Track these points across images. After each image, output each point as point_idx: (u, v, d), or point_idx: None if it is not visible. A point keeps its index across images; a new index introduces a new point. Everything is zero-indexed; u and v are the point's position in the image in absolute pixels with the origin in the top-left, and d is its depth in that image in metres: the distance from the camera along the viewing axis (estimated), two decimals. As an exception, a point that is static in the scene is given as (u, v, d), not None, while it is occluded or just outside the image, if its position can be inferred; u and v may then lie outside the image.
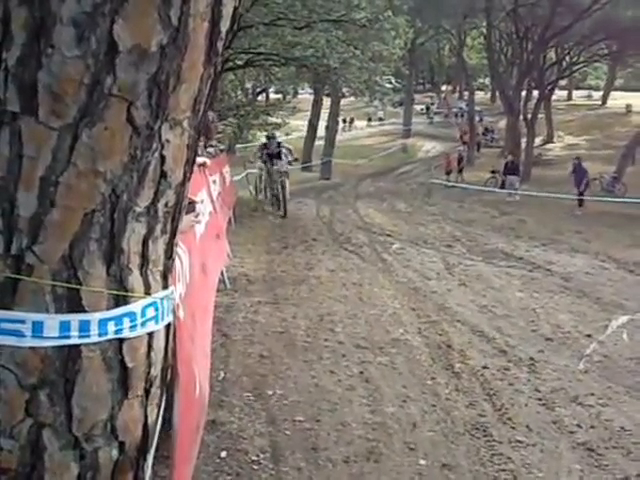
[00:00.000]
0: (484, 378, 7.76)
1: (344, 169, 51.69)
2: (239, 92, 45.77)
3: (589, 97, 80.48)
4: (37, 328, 2.42)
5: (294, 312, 10.01)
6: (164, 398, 2.97)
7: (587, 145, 57.21)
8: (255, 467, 5.56)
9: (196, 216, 6.48)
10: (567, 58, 52.62)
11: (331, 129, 52.04)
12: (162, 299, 2.74)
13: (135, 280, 2.61)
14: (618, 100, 69.84)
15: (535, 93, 50.61)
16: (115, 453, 2.67)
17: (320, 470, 5.58)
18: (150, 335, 2.71)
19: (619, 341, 9.19)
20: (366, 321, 9.79)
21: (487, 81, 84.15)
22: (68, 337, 2.46)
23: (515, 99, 47.66)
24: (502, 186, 34.32)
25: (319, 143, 52.49)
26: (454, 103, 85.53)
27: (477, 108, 66.80)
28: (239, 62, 25.41)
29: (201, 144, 9.28)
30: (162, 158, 2.52)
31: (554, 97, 62.60)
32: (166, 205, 2.63)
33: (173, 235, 2.77)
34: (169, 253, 2.79)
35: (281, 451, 5.85)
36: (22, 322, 2.41)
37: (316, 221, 21.76)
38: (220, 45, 2.58)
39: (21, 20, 2.21)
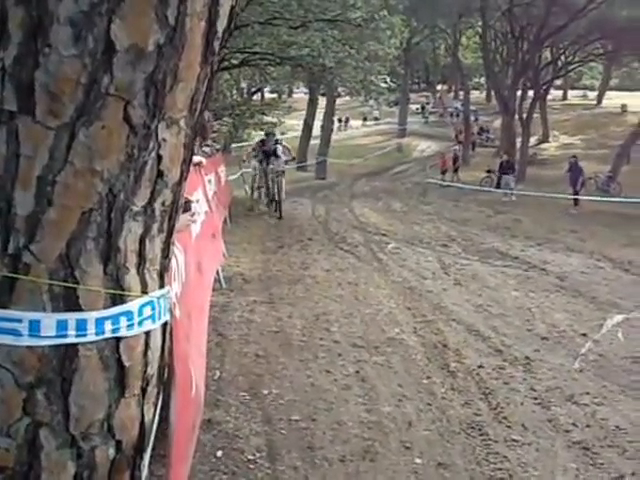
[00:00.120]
0: (480, 377, 7.77)
1: (339, 169, 51.68)
2: (234, 91, 45.79)
3: (584, 97, 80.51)
4: (34, 327, 2.42)
5: (290, 311, 10.02)
6: (161, 397, 2.97)
7: (582, 145, 57.23)
8: (251, 466, 5.56)
9: (192, 215, 6.49)
10: (562, 58, 52.67)
11: (326, 128, 52.00)
12: (159, 298, 2.74)
13: (132, 279, 2.61)
14: (613, 100, 69.90)
15: (530, 93, 50.54)
16: (112, 452, 2.67)
17: (316, 469, 5.59)
18: (147, 334, 2.71)
19: (614, 340, 9.21)
20: (362, 320, 9.80)
21: (482, 80, 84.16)
22: (65, 336, 2.46)
23: (510, 99, 47.67)
24: (497, 185, 34.33)
25: (314, 142, 52.42)
26: (449, 102, 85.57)
27: (472, 107, 66.84)
28: (234, 61, 25.39)
29: (196, 143, 9.29)
30: (159, 157, 2.52)
31: (549, 97, 62.57)
32: (163, 204, 2.64)
33: (170, 234, 2.78)
34: (166, 252, 2.79)
35: (277, 450, 5.85)
36: (19, 321, 2.41)
37: (312, 220, 21.76)
38: (217, 45, 2.58)
39: (18, 19, 2.21)
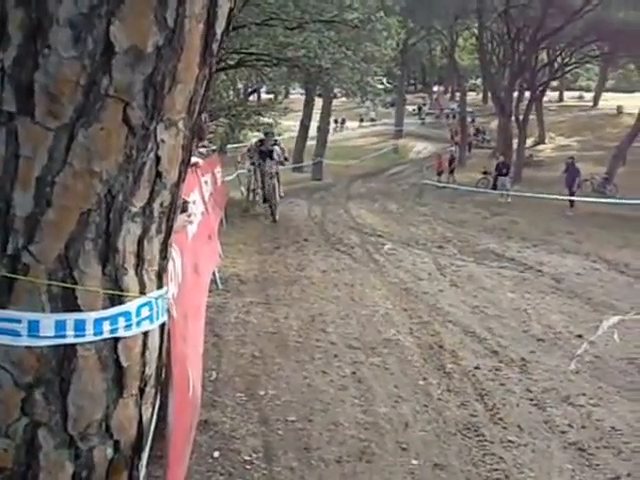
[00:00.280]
0: (476, 378, 7.78)
1: (335, 170, 51.66)
2: (231, 92, 45.77)
3: (580, 98, 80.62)
4: (33, 327, 2.43)
5: (286, 312, 10.02)
6: (158, 397, 2.98)
7: (578, 146, 57.27)
8: (248, 467, 5.57)
9: (188, 216, 6.49)
10: (559, 59, 52.68)
11: (323, 130, 52.05)
12: (157, 299, 2.75)
13: (130, 280, 2.62)
14: (609, 101, 69.97)
15: (527, 94, 50.67)
16: (110, 452, 2.68)
17: (312, 470, 5.60)
18: (145, 334, 2.72)
19: (610, 341, 9.21)
20: (358, 321, 9.81)
21: (479, 82, 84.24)
22: (64, 336, 2.47)
23: (507, 100, 47.75)
24: (494, 187, 34.37)
25: (310, 143, 52.43)
26: (446, 104, 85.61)
27: (469, 109, 66.89)
28: (231, 62, 25.40)
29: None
30: (157, 158, 2.53)
31: (545, 98, 62.72)
32: (161, 205, 2.64)
33: (168, 235, 2.79)
34: (164, 253, 2.80)
35: (274, 451, 5.86)
36: (18, 321, 2.42)
37: (308, 222, 21.77)
38: (215, 46, 2.59)
39: (18, 21, 2.22)
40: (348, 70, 24.66)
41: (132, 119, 2.39)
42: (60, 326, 2.46)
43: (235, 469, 5.52)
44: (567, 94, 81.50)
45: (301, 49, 22.93)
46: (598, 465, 5.88)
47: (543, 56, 52.19)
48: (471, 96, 78.30)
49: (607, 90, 75.85)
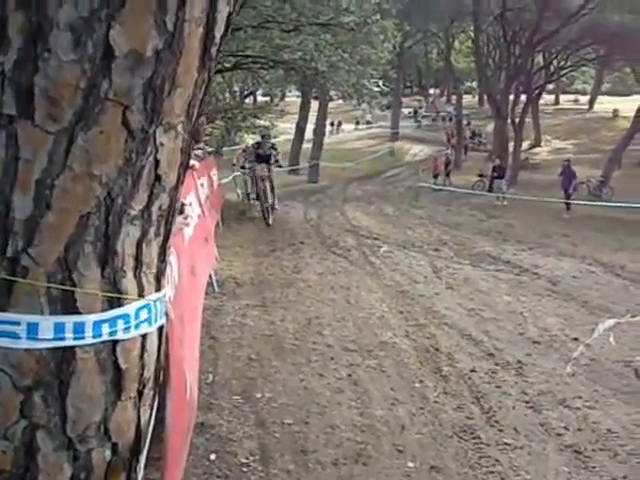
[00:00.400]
0: (472, 381, 7.80)
1: (331, 172, 51.61)
2: (227, 95, 45.78)
3: (576, 101, 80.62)
4: (32, 330, 2.43)
5: (282, 315, 10.03)
6: (156, 400, 2.98)
7: (574, 149, 57.29)
8: (244, 469, 5.58)
9: (185, 218, 6.50)
10: (554, 62, 52.70)
11: (319, 132, 52.02)
12: (155, 301, 2.76)
13: (129, 282, 2.62)
14: (605, 104, 70.01)
15: (523, 97, 50.68)
16: (108, 454, 2.68)
17: (309, 472, 5.61)
18: (143, 337, 2.72)
19: (606, 344, 9.24)
20: (354, 324, 9.82)
21: (475, 85, 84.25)
22: (63, 339, 2.47)
23: (503, 103, 47.77)
24: (490, 190, 34.41)
25: (307, 146, 52.41)
26: (442, 106, 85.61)
27: (465, 112, 66.88)
28: (227, 65, 25.36)
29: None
30: (156, 162, 2.54)
31: (541, 101, 62.66)
32: (160, 208, 2.65)
33: (166, 238, 2.79)
34: (162, 256, 2.81)
35: (270, 453, 5.87)
36: (17, 324, 2.42)
37: (304, 224, 21.75)
38: (214, 50, 2.60)
39: (18, 24, 2.22)
40: (344, 73, 24.63)
41: (131, 122, 2.40)
42: (59, 329, 2.46)
43: (232, 472, 5.53)
44: (563, 97, 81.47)
45: (297, 52, 22.91)
46: (594, 468, 5.90)
47: (539, 59, 52.22)
48: (467, 99, 78.26)
49: (603, 93, 75.92)
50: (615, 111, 65.19)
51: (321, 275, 13.18)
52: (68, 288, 2.46)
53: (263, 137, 22.29)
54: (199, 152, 12.74)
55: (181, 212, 5.92)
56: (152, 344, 2.80)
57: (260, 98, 68.25)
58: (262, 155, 20.78)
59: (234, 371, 7.71)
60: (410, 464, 5.84)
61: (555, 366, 8.39)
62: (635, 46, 41.36)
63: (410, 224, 22.79)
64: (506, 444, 6.27)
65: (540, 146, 62.31)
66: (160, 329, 2.86)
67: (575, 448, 6.22)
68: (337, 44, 23.60)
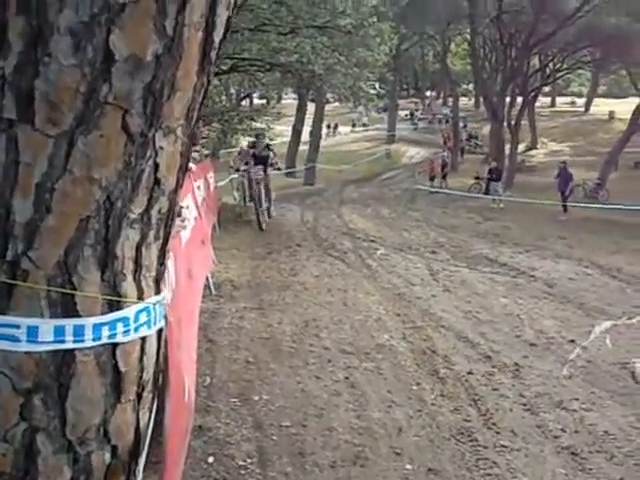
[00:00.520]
0: (469, 383, 7.81)
1: (328, 175, 51.63)
2: (223, 97, 45.77)
3: (572, 104, 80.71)
4: (32, 333, 2.43)
5: (279, 318, 10.03)
6: (155, 402, 2.99)
7: (570, 151, 57.38)
8: (242, 472, 5.58)
9: (182, 221, 6.52)
10: (551, 65, 52.84)
11: (315, 134, 52.01)
12: (154, 304, 2.76)
13: (129, 286, 2.63)
14: (601, 107, 70.12)
15: (519, 99, 50.74)
16: (108, 457, 2.68)
17: (307, 475, 5.62)
18: (143, 340, 2.72)
19: (602, 346, 9.26)
20: (351, 327, 9.83)
21: (471, 87, 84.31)
22: (63, 342, 2.48)
23: (499, 105, 47.76)
24: (486, 192, 34.44)
25: (303, 148, 52.42)
26: (438, 109, 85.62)
27: (461, 114, 66.90)
28: (224, 67, 25.33)
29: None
30: (156, 165, 2.54)
31: (538, 103, 62.86)
32: (159, 212, 2.66)
33: (166, 241, 2.80)
34: (161, 259, 2.81)
35: (268, 456, 5.88)
36: (17, 327, 2.42)
37: (300, 227, 21.77)
38: (213, 54, 2.61)
39: (18, 29, 2.23)
40: (341, 75, 24.65)
41: (131, 126, 2.40)
42: (59, 331, 2.47)
43: (229, 474, 5.53)
44: (559, 99, 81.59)
45: (294, 54, 22.92)
46: (591, 469, 5.92)
47: (535, 62, 52.31)
48: (463, 101, 78.31)
49: (599, 96, 76.04)
50: (611, 113, 65.27)
51: (318, 278, 13.19)
52: (68, 291, 2.47)
53: (257, 136, 22.23)
54: (196, 155, 12.76)
55: (178, 215, 5.93)
56: (151, 347, 2.81)
57: (256, 101, 68.25)
58: (258, 156, 20.58)
59: (231, 374, 7.71)
60: (408, 466, 5.85)
61: (552, 368, 8.41)
62: (631, 49, 41.46)
63: (407, 226, 22.84)
64: (503, 446, 6.28)
65: (536, 148, 62.38)
66: (159, 332, 2.87)
67: (572, 450, 6.24)
68: (334, 47, 23.62)
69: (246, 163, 21.12)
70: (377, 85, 37.85)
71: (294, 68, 24.11)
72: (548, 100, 78.50)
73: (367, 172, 57.33)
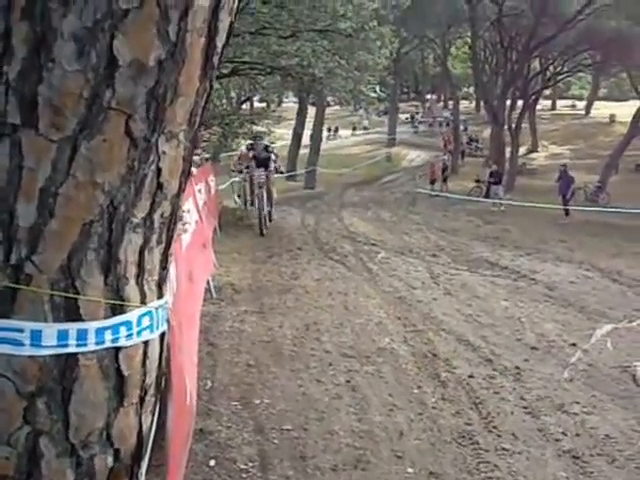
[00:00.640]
0: (470, 387, 7.82)
1: (328, 178, 51.68)
2: (224, 101, 45.76)
3: (573, 107, 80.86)
4: (35, 337, 2.44)
5: (280, 321, 10.04)
6: (158, 406, 2.99)
7: (571, 154, 57.47)
8: (244, 475, 5.59)
9: (183, 224, 6.52)
10: (551, 68, 52.95)
11: (316, 138, 52.05)
12: (157, 308, 2.77)
13: (131, 290, 2.63)
14: (601, 110, 70.30)
15: (519, 102, 50.83)
16: (110, 460, 2.69)
17: (308, 478, 5.63)
18: (145, 344, 2.73)
19: (603, 350, 9.26)
20: (352, 330, 9.83)
21: (471, 90, 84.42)
22: (66, 345, 2.48)
23: (499, 108, 47.83)
24: (486, 195, 34.49)
25: (303, 152, 52.46)
26: (438, 112, 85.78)
27: (461, 117, 66.99)
28: (224, 71, 25.30)
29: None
30: (159, 170, 2.55)
31: (538, 106, 62.92)
32: (162, 216, 2.66)
33: (168, 245, 2.80)
34: (164, 263, 2.82)
35: (269, 459, 5.88)
36: (21, 331, 2.43)
37: (301, 230, 21.75)
38: (216, 59, 2.62)
39: (22, 34, 2.24)
40: (341, 79, 24.63)
41: (134, 131, 2.41)
42: (62, 335, 2.47)
43: (231, 478, 5.54)
44: (560, 102, 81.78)
45: (295, 58, 22.88)
46: (592, 473, 5.92)
47: (536, 65, 52.44)
48: (464, 104, 78.51)
49: (599, 99, 76.23)
50: (612, 116, 65.45)
51: (319, 281, 13.19)
52: (71, 295, 2.47)
53: (255, 138, 21.94)
54: (196, 158, 12.76)
55: (180, 219, 5.94)
56: (154, 351, 2.82)
57: (257, 104, 68.34)
58: (259, 158, 20.31)
59: (232, 377, 7.72)
60: (409, 470, 5.86)
61: (553, 372, 8.41)
62: (631, 52, 41.50)
63: (407, 230, 22.84)
64: (504, 449, 6.29)
65: (537, 151, 62.55)
66: (162, 336, 2.88)
67: (573, 453, 6.24)
68: (334, 50, 23.60)
69: (247, 167, 20.83)
70: (378, 88, 37.88)
71: (295, 71, 24.10)
72: (549, 103, 78.70)
73: (367, 175, 57.42)
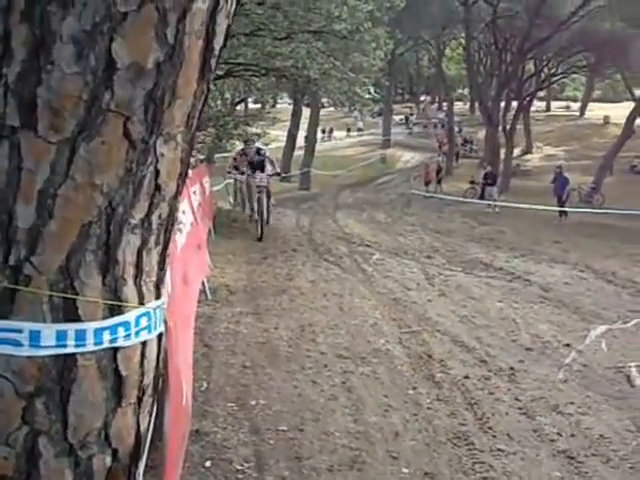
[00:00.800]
0: (465, 388, 7.83)
1: (323, 179, 51.71)
2: (218, 102, 45.73)
3: (567, 108, 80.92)
4: (34, 337, 2.45)
5: (276, 323, 10.04)
6: (155, 406, 3.00)
7: (565, 156, 57.53)
8: (240, 476, 5.60)
9: (178, 224, 6.52)
10: (546, 69, 53.03)
11: (310, 139, 52.11)
12: (155, 309, 2.78)
13: (129, 290, 2.64)
14: (596, 111, 70.36)
15: (514, 104, 50.85)
16: (108, 460, 2.69)
17: (304, 479, 5.63)
18: (143, 344, 2.73)
19: (598, 350, 9.29)
20: (347, 331, 9.85)
21: (466, 92, 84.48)
22: (64, 346, 2.49)
23: (494, 110, 47.91)
24: (481, 197, 34.52)
25: (298, 153, 52.49)
26: (433, 114, 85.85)
27: (456, 119, 67.08)
28: (219, 72, 25.24)
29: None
30: (156, 171, 2.56)
31: (533, 108, 62.96)
32: (160, 217, 2.67)
33: (166, 247, 2.81)
34: (162, 264, 2.83)
35: (265, 460, 5.89)
36: (19, 331, 2.44)
37: (296, 231, 21.77)
38: (213, 62, 2.63)
39: (22, 37, 2.25)
40: (336, 80, 24.60)
41: (132, 133, 2.42)
42: (61, 336, 2.48)
43: (227, 478, 5.55)
44: (554, 104, 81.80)
45: (289, 59, 22.85)
46: (587, 473, 5.94)
47: (530, 66, 52.48)
48: (458, 106, 78.58)
49: (594, 100, 76.28)
50: (606, 118, 65.51)
51: (314, 282, 13.21)
52: (70, 296, 2.48)
53: (246, 142, 21.86)
54: (191, 159, 12.77)
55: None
56: (151, 351, 2.82)
57: (251, 105, 68.26)
58: (254, 163, 20.20)
59: (228, 378, 7.73)
60: (404, 470, 5.87)
61: (547, 372, 8.44)
62: (625, 53, 41.57)
63: (402, 231, 22.87)
64: (499, 450, 6.30)
65: (531, 153, 62.60)
66: (159, 336, 2.89)
67: (568, 454, 6.26)
68: (329, 52, 23.59)
69: (242, 173, 20.75)
70: (372, 90, 37.90)
71: (289, 73, 24.07)
72: (543, 104, 78.76)
73: (362, 177, 57.48)
